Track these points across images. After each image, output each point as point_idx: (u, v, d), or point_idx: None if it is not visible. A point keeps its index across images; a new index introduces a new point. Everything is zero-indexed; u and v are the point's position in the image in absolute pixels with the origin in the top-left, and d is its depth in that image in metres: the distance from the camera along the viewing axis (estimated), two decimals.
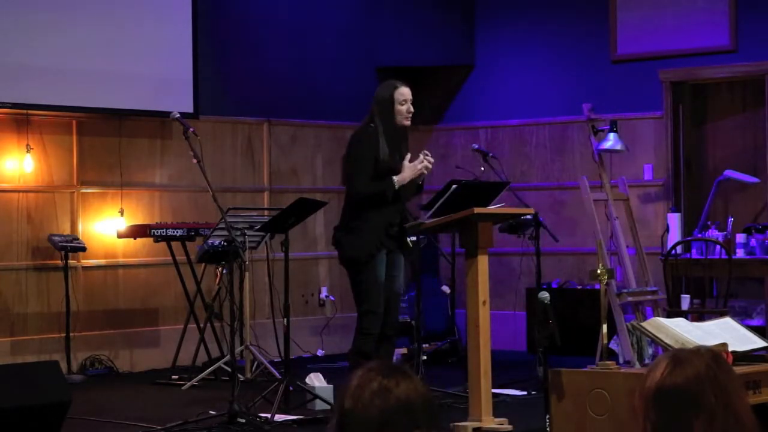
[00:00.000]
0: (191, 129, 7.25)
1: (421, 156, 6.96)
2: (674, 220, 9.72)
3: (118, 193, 9.48)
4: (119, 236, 9.20)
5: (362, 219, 6.86)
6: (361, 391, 2.36)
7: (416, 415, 2.35)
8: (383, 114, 6.95)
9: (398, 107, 6.96)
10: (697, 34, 10.09)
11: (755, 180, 9.79)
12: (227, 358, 8.44)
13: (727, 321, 6.49)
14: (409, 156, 6.96)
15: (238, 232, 8.09)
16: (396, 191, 6.88)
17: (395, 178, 6.89)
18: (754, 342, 6.28)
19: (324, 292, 10.75)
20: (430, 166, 7.01)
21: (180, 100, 9.46)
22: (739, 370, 5.56)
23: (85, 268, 9.33)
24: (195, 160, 7.16)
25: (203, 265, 9.00)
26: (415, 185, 7.06)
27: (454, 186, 6.87)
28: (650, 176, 10.34)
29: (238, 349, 8.36)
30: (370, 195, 6.87)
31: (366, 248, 6.84)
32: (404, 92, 7.00)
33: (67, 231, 9.14)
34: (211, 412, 7.00)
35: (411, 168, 6.93)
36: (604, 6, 10.52)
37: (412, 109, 7.01)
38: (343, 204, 7.09)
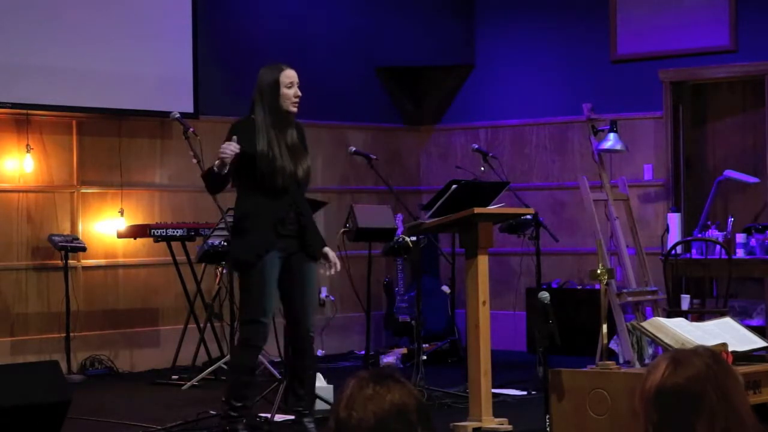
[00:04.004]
0: (191, 129, 7.24)
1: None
2: (674, 220, 9.72)
3: (118, 193, 9.48)
4: (119, 236, 9.20)
5: (246, 219, 6.28)
6: (354, 399, 2.36)
7: (411, 419, 2.36)
8: (267, 99, 6.31)
9: (285, 91, 6.31)
10: (697, 34, 10.09)
11: (755, 180, 9.79)
12: (227, 358, 8.44)
13: (727, 321, 6.50)
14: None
15: None
16: (282, 185, 6.21)
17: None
18: (754, 342, 6.28)
19: (324, 292, 10.75)
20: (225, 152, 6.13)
21: (180, 100, 9.45)
22: (738, 370, 5.57)
23: (85, 268, 9.33)
24: (195, 160, 7.14)
25: (203, 265, 9.00)
26: (303, 175, 6.32)
27: (454, 186, 6.86)
28: (650, 176, 10.34)
29: None
30: (208, 187, 6.25)
31: (252, 250, 6.22)
32: (290, 74, 6.34)
33: (67, 231, 9.14)
34: (211, 412, 6.99)
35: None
36: (604, 6, 10.53)
37: (299, 93, 6.33)
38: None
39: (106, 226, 9.39)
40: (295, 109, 6.35)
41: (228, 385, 6.44)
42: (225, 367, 8.53)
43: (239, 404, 6.32)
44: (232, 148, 6.14)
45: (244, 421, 6.41)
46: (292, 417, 6.65)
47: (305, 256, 6.37)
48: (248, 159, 6.19)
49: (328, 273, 6.52)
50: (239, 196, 6.38)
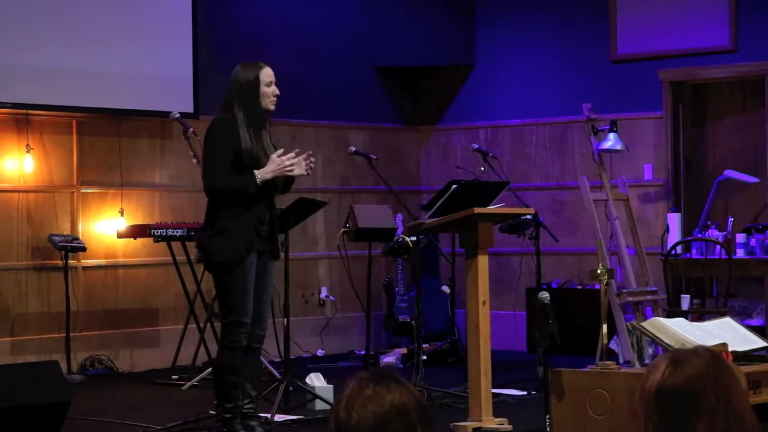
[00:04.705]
0: (191, 129, 7.26)
1: (293, 154, 6.27)
2: (674, 220, 9.72)
3: (118, 193, 9.48)
4: (119, 236, 9.20)
5: (229, 218, 6.18)
6: (354, 400, 2.36)
7: (411, 419, 2.36)
8: (246, 97, 6.22)
9: (264, 89, 6.24)
10: (697, 34, 10.09)
11: (755, 180, 9.79)
12: None
13: (727, 321, 6.50)
14: (281, 151, 6.27)
15: None
16: (262, 187, 6.19)
17: (257, 172, 6.18)
18: (754, 342, 6.29)
19: (324, 292, 10.75)
20: (302, 170, 6.31)
21: (180, 100, 9.45)
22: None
23: (85, 268, 9.33)
24: (195, 160, 7.15)
25: (203, 265, 8.99)
26: (283, 180, 6.36)
27: (454, 186, 6.86)
28: (650, 176, 10.34)
29: None
30: (229, 191, 6.16)
31: (235, 251, 6.15)
32: (270, 72, 6.30)
33: (67, 231, 9.14)
34: (211, 412, 6.99)
35: (276, 164, 6.20)
36: (604, 6, 10.52)
37: (277, 92, 6.29)
38: (207, 203, 6.34)
39: (106, 226, 9.39)
40: (273, 108, 6.31)
41: (216, 389, 6.40)
42: None
43: (230, 405, 6.30)
44: (305, 163, 6.26)
45: (239, 420, 6.37)
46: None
47: (270, 256, 6.35)
48: (230, 157, 6.17)
49: (306, 169, 6.34)
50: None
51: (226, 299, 6.28)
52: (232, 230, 6.18)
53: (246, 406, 6.42)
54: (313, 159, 6.39)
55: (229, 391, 6.31)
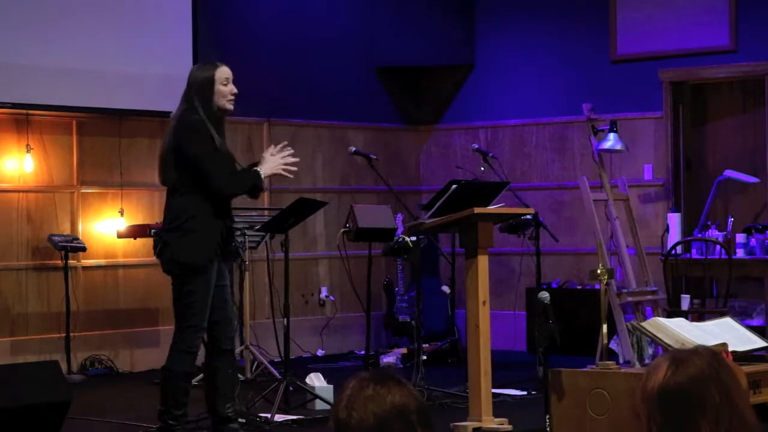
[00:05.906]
0: None
1: (283, 151, 6.24)
2: (674, 220, 9.72)
3: (118, 193, 9.48)
4: (119, 236, 9.20)
5: (198, 220, 6.03)
6: (354, 400, 2.36)
7: (411, 420, 2.36)
8: (202, 97, 6.09)
9: (221, 88, 6.10)
10: (697, 34, 10.09)
11: (755, 180, 9.79)
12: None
13: (727, 321, 6.50)
14: (280, 147, 6.25)
15: (238, 232, 8.08)
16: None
17: (259, 170, 6.15)
18: (754, 342, 6.28)
19: (324, 292, 10.75)
20: (293, 168, 6.28)
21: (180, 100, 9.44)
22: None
23: (85, 268, 9.33)
24: None
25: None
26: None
27: (454, 186, 6.87)
28: (650, 176, 10.34)
29: (238, 349, 8.36)
30: (244, 192, 6.17)
31: (204, 253, 6.01)
32: (226, 71, 6.15)
33: (67, 231, 9.14)
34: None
35: (275, 162, 6.20)
36: (604, 6, 10.52)
37: (235, 90, 6.14)
38: (169, 202, 6.15)
39: (106, 226, 9.39)
40: (231, 107, 6.18)
41: (166, 394, 6.19)
42: None
43: (179, 412, 6.15)
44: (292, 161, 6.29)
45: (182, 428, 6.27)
46: (211, 416, 6.39)
47: (224, 258, 6.23)
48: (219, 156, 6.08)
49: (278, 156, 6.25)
50: (184, 195, 6.09)
51: (187, 302, 6.11)
52: (202, 232, 6.04)
53: (228, 410, 6.32)
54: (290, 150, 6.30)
55: (181, 398, 6.16)
